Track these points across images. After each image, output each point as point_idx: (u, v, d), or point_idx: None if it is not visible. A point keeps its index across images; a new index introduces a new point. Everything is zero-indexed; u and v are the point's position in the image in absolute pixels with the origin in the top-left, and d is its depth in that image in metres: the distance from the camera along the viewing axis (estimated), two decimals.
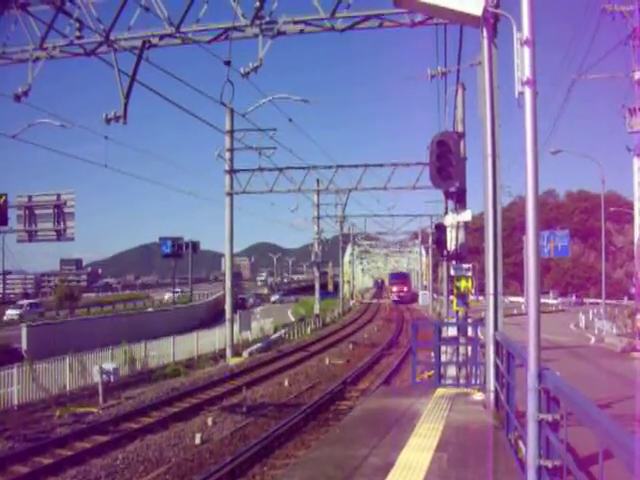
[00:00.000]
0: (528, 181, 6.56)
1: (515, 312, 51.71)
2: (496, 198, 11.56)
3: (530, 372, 6.21)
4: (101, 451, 14.89)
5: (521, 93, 6.66)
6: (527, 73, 6.59)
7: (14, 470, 13.63)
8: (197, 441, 15.63)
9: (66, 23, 15.75)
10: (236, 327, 35.08)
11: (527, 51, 6.65)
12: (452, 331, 17.35)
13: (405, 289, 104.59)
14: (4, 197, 17.48)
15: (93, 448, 15.09)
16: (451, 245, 17.26)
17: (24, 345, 29.36)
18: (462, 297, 17.26)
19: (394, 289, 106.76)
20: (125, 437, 16.16)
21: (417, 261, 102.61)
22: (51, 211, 26.35)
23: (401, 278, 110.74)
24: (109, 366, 22.63)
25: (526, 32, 6.68)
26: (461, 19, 12.23)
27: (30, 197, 26.60)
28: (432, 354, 16.02)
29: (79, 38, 15.73)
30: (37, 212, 26.33)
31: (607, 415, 4.24)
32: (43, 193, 27.45)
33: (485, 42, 11.40)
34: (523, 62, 6.66)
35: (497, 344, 10.98)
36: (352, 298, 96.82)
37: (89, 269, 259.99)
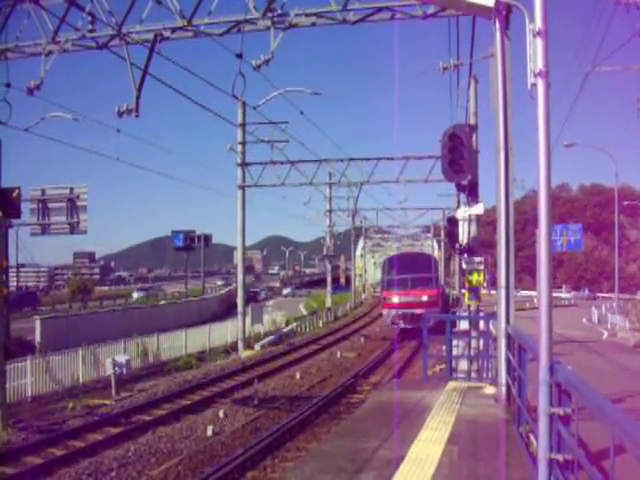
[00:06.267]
0: (540, 173, 6.52)
1: (528, 306, 51.52)
2: (508, 191, 11.50)
3: (542, 366, 6.19)
4: (113, 443, 14.98)
5: (534, 85, 6.62)
6: (540, 64, 6.54)
7: (27, 461, 13.75)
8: (209, 433, 15.70)
9: (78, 16, 15.77)
10: (248, 320, 35.16)
11: (540, 42, 6.60)
12: (464, 324, 17.33)
13: (425, 297, 39.26)
14: (17, 190, 17.51)
15: (105, 440, 15.19)
16: (463, 238, 17.21)
17: (37, 337, 29.55)
18: (474, 290, 17.21)
19: (396, 299, 39.91)
20: (137, 429, 16.25)
21: None
22: (64, 204, 26.50)
23: (420, 268, 41.21)
24: (122, 358, 22.72)
25: (539, 23, 6.63)
26: (473, 11, 12.17)
27: (43, 190, 26.76)
28: (444, 347, 15.99)
29: (91, 31, 15.76)
30: (50, 205, 26.48)
31: (620, 409, 4.21)
32: (56, 186, 27.58)
33: (497, 34, 11.32)
34: (536, 53, 6.61)
35: (509, 338, 10.95)
36: (364, 291, 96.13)
37: (102, 262, 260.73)
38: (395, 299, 39.43)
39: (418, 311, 36.04)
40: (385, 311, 40.97)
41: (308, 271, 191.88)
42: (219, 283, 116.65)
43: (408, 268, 40.51)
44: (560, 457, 5.81)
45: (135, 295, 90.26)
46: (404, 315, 38.38)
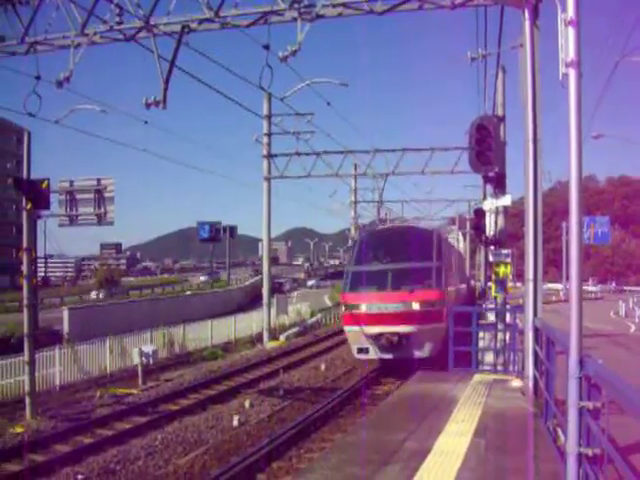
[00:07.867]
0: (572, 165, 6.44)
1: (554, 299, 51.10)
2: (537, 183, 11.39)
3: (572, 359, 6.13)
4: (140, 432, 15.14)
5: (565, 75, 6.53)
6: (572, 54, 6.45)
7: (56, 449, 13.95)
8: (235, 423, 15.79)
9: (107, 9, 15.85)
10: (273, 311, 35.27)
11: (572, 31, 6.50)
12: (491, 317, 17.23)
13: (417, 305, 19.87)
14: (47, 182, 17.73)
15: (133, 429, 15.37)
16: (490, 230, 17.07)
17: (65, 327, 29.93)
18: (501, 283, 17.08)
19: (364, 307, 20.56)
20: (164, 418, 16.40)
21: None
22: (92, 196, 26.64)
23: (410, 252, 21.64)
24: (148, 348, 22.92)
25: (571, 12, 6.53)
26: (502, 0, 12.03)
27: (71, 182, 26.89)
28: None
29: (119, 24, 15.80)
30: (78, 197, 26.64)
31: None
32: (84, 178, 27.79)
33: (527, 24, 11.21)
34: (567, 43, 6.52)
35: (536, 330, 10.86)
36: None
37: (128, 253, 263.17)
38: (363, 308, 20.81)
39: (404, 330, 20.11)
40: (347, 329, 21.90)
41: (332, 263, 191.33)
42: (202, 279, 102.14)
43: (390, 253, 22.50)
44: (589, 451, 5.76)
45: (94, 296, 75.97)
46: (379, 337, 20.40)
